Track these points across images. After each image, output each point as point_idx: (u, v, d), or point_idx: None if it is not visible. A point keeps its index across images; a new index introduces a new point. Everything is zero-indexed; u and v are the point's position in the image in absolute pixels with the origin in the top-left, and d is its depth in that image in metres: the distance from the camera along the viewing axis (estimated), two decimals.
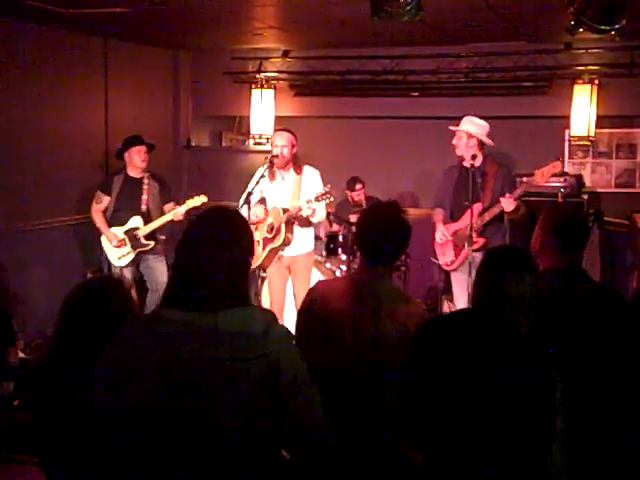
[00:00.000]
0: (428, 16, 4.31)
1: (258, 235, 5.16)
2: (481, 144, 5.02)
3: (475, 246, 4.87)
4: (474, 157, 4.96)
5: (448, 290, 5.75)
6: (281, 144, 5.01)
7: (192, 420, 1.61)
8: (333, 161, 6.61)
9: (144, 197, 5.62)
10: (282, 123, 6.44)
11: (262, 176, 5.01)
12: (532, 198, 5.45)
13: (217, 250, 1.70)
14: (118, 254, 5.65)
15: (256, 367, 1.62)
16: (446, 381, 1.19)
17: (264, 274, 5.73)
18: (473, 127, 5.01)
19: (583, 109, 6.22)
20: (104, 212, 5.72)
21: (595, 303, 2.64)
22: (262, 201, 5.24)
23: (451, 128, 5.11)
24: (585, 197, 6.23)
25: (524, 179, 5.35)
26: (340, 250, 6.26)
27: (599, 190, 6.62)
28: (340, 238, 6.27)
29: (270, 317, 1.74)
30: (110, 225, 5.66)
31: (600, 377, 2.48)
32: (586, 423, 2.44)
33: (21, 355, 5.13)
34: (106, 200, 5.69)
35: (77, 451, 1.72)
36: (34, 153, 5.83)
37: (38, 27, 5.76)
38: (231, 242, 1.73)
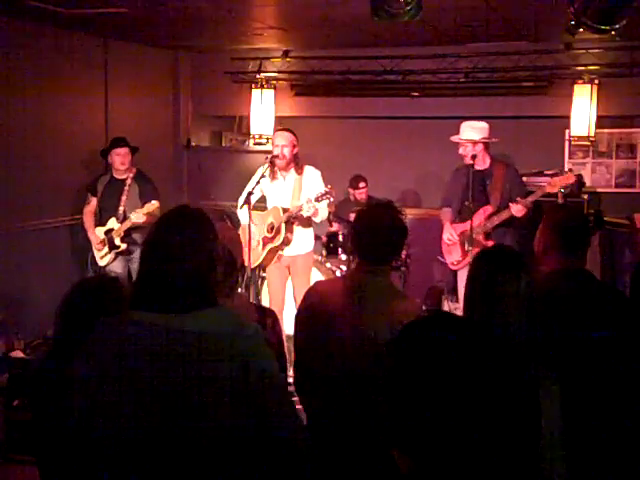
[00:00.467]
0: (428, 16, 4.31)
1: (258, 235, 5.16)
2: (487, 145, 5.04)
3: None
4: (474, 157, 4.97)
5: (453, 289, 5.76)
6: (281, 144, 5.01)
7: (162, 421, 1.61)
8: (333, 161, 6.61)
9: (123, 198, 5.68)
10: (282, 123, 6.44)
11: (262, 176, 5.01)
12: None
13: (181, 251, 1.67)
14: (100, 254, 5.77)
15: (225, 367, 1.62)
16: (423, 386, 1.20)
17: (264, 274, 5.74)
18: (474, 133, 5.01)
19: (583, 109, 6.22)
20: (95, 213, 5.82)
21: (602, 304, 2.64)
22: (262, 200, 5.25)
23: (453, 139, 5.10)
24: (585, 197, 6.23)
25: (536, 188, 5.37)
26: (340, 250, 6.27)
27: (599, 190, 6.62)
28: (340, 238, 6.28)
29: (240, 318, 1.73)
30: (98, 225, 5.76)
31: (610, 378, 2.48)
32: (595, 423, 2.45)
33: (21, 355, 5.13)
34: (93, 201, 5.82)
35: (72, 451, 1.73)
36: (34, 153, 5.83)
37: (38, 27, 5.76)
38: (195, 242, 1.70)
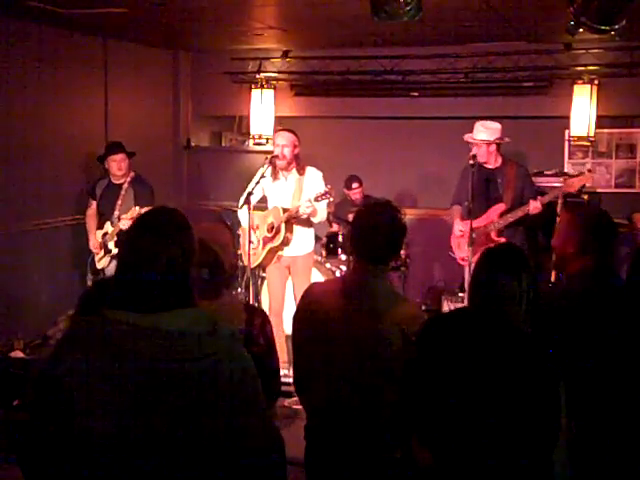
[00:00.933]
0: (428, 16, 4.31)
1: (258, 234, 5.17)
2: (498, 145, 5.13)
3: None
4: (474, 157, 4.99)
5: (461, 286, 5.81)
6: (282, 144, 5.00)
7: (134, 420, 1.62)
8: (333, 161, 6.60)
9: (119, 202, 5.70)
10: (282, 123, 6.44)
11: (262, 176, 5.00)
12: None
13: (155, 251, 1.69)
14: (97, 257, 5.79)
15: (197, 367, 1.63)
16: (450, 378, 1.20)
17: (264, 274, 5.74)
18: (488, 134, 5.09)
19: (583, 109, 6.22)
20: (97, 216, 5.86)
21: (630, 303, 2.63)
22: (264, 200, 5.25)
23: (466, 139, 5.17)
24: (585, 197, 6.23)
25: (554, 186, 5.50)
26: (340, 250, 6.27)
27: (599, 190, 6.62)
28: (340, 238, 6.28)
29: (215, 319, 1.74)
30: (98, 228, 5.80)
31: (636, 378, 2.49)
32: (616, 423, 2.45)
33: (21, 355, 5.13)
34: (94, 204, 5.86)
35: (56, 450, 1.73)
36: (34, 153, 5.83)
37: (38, 27, 5.76)
38: (170, 242, 1.71)
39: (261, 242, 5.15)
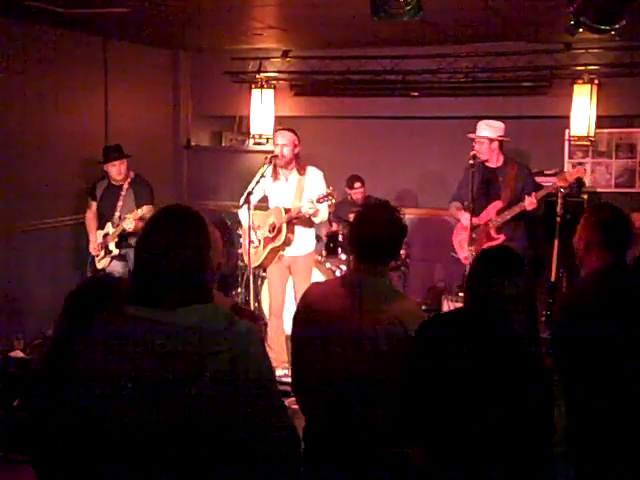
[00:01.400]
0: (428, 16, 4.31)
1: (259, 234, 5.16)
2: (501, 144, 5.18)
3: (495, 243, 5.00)
4: (474, 157, 5.01)
5: (461, 286, 5.82)
6: (282, 143, 5.00)
7: (151, 414, 1.63)
8: (333, 161, 6.60)
9: (119, 204, 5.70)
10: (282, 123, 6.44)
11: (262, 176, 5.00)
12: None
13: (171, 247, 1.71)
14: (97, 258, 5.80)
15: (214, 363, 1.64)
16: (444, 377, 1.21)
17: (264, 274, 5.74)
18: (491, 131, 5.15)
19: (583, 109, 6.22)
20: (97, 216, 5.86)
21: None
22: (264, 200, 5.25)
23: (470, 136, 5.22)
24: (585, 197, 6.24)
25: (548, 182, 5.52)
26: (340, 250, 6.27)
27: (599, 190, 6.63)
28: (340, 237, 6.28)
29: (233, 315, 1.75)
30: (99, 229, 5.81)
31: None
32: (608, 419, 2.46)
33: (21, 355, 5.13)
34: (94, 205, 5.86)
35: (69, 448, 1.74)
36: (34, 153, 5.83)
37: (38, 27, 5.76)
38: (185, 239, 1.73)
39: (262, 242, 5.15)
